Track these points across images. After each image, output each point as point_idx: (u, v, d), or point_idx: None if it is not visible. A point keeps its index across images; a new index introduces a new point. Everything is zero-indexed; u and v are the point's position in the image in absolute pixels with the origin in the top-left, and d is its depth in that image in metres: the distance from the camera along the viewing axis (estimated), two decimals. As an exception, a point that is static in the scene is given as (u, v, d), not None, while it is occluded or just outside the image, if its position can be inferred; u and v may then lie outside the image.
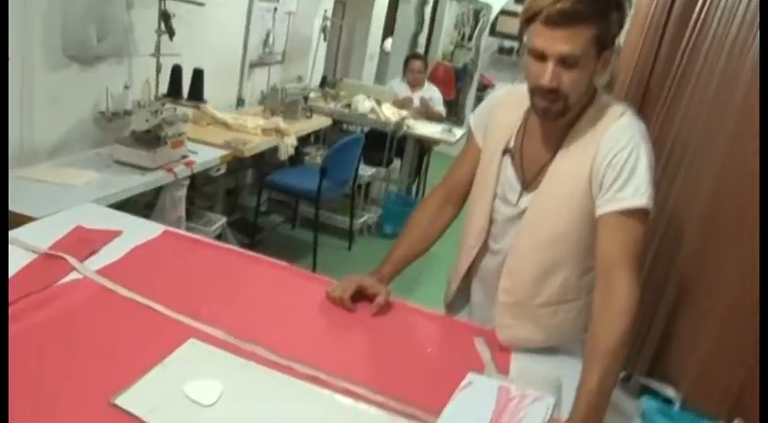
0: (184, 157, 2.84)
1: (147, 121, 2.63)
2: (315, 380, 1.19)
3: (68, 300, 1.30)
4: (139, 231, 1.68)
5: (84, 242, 1.54)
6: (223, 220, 3.35)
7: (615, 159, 1.28)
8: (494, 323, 1.49)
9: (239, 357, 1.21)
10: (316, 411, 1.11)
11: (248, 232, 3.96)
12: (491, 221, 1.49)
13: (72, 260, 1.44)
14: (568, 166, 1.36)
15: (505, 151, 1.45)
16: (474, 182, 1.54)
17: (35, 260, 1.43)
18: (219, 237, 3.27)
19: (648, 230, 1.40)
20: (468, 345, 1.43)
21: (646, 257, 1.60)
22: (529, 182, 1.42)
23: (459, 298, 1.64)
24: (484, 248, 1.52)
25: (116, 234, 1.63)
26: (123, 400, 1.02)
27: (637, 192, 1.26)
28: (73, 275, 1.41)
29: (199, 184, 3.59)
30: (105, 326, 1.25)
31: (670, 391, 1.40)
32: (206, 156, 3.01)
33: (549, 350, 1.45)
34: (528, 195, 1.41)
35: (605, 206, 1.29)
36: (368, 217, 4.68)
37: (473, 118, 1.59)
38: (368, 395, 1.17)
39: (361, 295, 1.50)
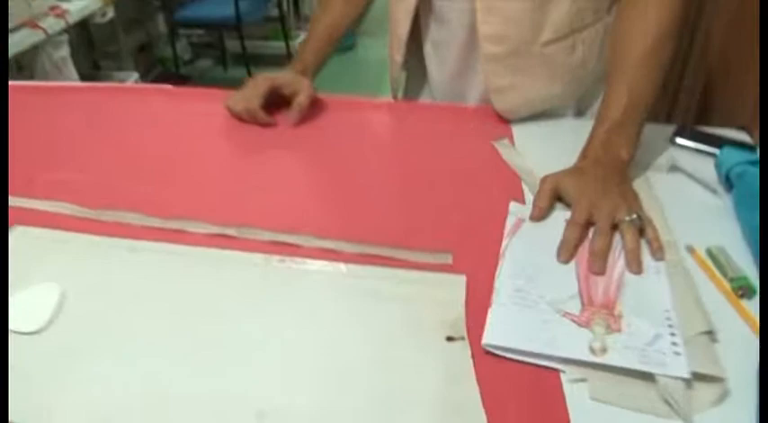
0: (53, 8, 2.30)
1: (-20, -33, 2.03)
2: (216, 240, 0.74)
3: None
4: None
5: None
6: (134, 75, 2.81)
7: None
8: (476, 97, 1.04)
9: (93, 236, 0.76)
10: (216, 283, 0.67)
11: (173, 85, 3.38)
12: None
13: None
14: None
15: None
16: None
17: None
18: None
19: None
20: (456, 136, 0.98)
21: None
22: None
23: (412, 83, 1.15)
24: None
25: None
26: None
27: None
28: None
29: (100, 44, 3.04)
30: None
31: (743, 136, 0.98)
32: (84, 1, 2.44)
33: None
34: None
35: None
36: (305, 36, 4.04)
37: None
38: (309, 244, 0.73)
39: (278, 99, 1.03)
